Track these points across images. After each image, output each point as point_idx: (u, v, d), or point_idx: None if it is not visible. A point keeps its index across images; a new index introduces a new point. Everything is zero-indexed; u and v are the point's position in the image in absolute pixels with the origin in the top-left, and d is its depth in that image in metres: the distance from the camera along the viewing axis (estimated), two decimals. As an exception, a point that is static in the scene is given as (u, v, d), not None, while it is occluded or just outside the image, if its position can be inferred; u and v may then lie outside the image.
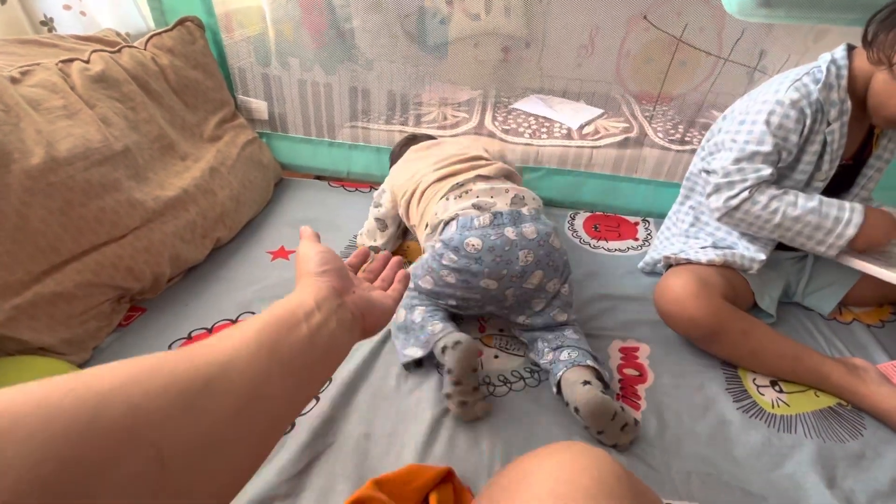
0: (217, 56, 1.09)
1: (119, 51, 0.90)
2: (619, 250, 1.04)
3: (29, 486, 0.17)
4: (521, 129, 1.18)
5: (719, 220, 0.79)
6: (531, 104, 1.26)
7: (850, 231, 0.71)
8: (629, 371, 0.75)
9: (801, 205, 0.73)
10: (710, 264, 0.81)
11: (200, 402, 0.24)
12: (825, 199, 0.73)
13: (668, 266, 0.88)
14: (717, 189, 0.77)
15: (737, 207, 0.76)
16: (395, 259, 0.54)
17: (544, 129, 1.17)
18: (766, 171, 0.73)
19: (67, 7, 1.03)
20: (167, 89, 0.96)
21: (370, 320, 0.41)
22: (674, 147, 1.10)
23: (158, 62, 0.96)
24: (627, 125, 1.16)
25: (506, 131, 1.18)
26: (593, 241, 1.07)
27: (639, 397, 0.71)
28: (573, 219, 1.14)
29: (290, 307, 0.34)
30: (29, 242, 0.64)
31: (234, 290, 0.87)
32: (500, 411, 0.67)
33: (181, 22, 1.01)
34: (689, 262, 0.83)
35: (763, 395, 0.72)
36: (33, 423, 0.18)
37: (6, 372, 0.59)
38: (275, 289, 0.87)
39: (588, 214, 1.16)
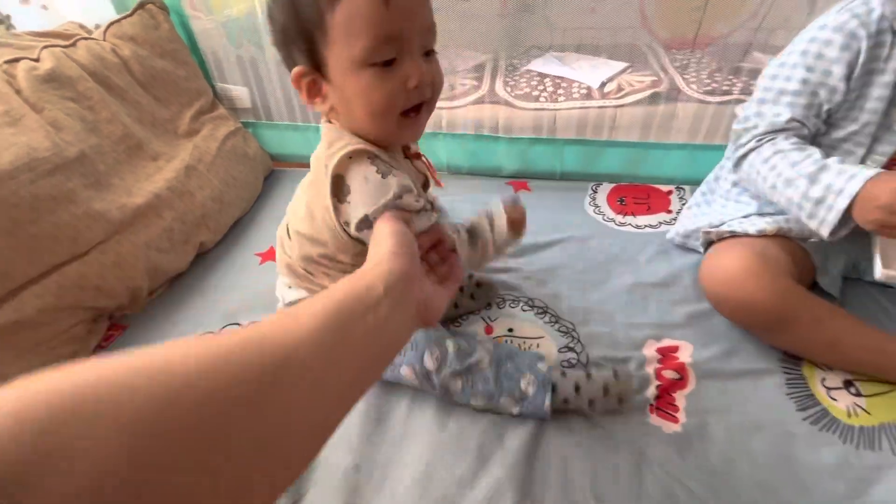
0: (187, 41, 0.99)
1: (73, 44, 0.82)
2: (650, 226, 0.91)
3: (98, 480, 0.18)
4: (536, 93, 1.04)
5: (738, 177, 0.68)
6: (546, 64, 1.11)
7: (841, 202, 0.55)
8: (668, 374, 0.63)
9: (801, 165, 0.58)
10: (762, 235, 0.67)
11: (268, 395, 0.24)
12: (837, 163, 0.57)
13: (709, 243, 0.74)
14: (735, 137, 0.66)
15: (743, 157, 0.65)
16: (453, 253, 0.50)
17: (561, 91, 1.02)
18: (784, 115, 0.61)
19: (25, 2, 0.95)
20: (131, 83, 0.87)
21: (432, 308, 0.40)
22: (712, 99, 0.93)
23: (119, 53, 0.87)
24: (655, 78, 0.99)
25: (518, 97, 1.04)
26: (619, 218, 0.93)
27: (677, 408, 0.60)
28: (595, 192, 1.01)
29: (359, 291, 0.33)
30: (-26, 270, 0.58)
31: (220, 300, 0.80)
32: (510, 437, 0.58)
33: (141, 5, 0.91)
34: (733, 234, 0.70)
35: (835, 400, 0.59)
36: (106, 408, 0.19)
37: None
38: (263, 296, 0.79)
39: (612, 186, 1.02)
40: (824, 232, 0.57)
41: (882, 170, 0.55)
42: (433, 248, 0.49)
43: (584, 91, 1.01)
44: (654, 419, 0.59)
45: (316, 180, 0.51)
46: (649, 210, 0.94)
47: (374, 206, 0.46)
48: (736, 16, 0.85)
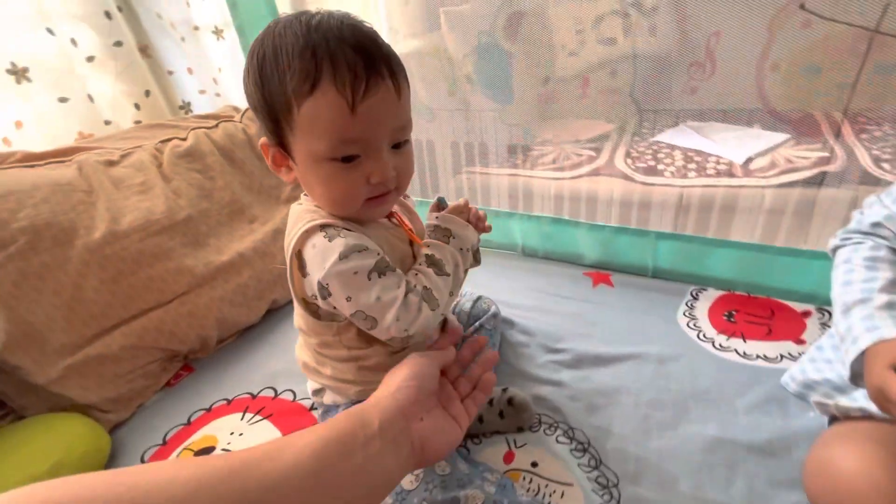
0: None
1: (216, 126, 1.01)
2: (765, 357, 0.68)
3: None
4: (662, 167, 0.92)
5: None
6: (680, 135, 0.99)
7: (851, 352, 0.44)
8: None
9: (850, 287, 0.49)
10: None
11: None
12: (885, 296, 0.45)
13: (832, 418, 0.51)
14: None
15: (833, 251, 0.55)
16: (488, 356, 0.51)
17: (693, 166, 0.89)
18: (877, 217, 0.50)
19: (203, 92, 1.22)
20: (250, 156, 1.03)
21: (431, 450, 0.40)
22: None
23: (248, 132, 1.04)
24: (826, 154, 0.78)
25: (641, 170, 0.94)
26: (721, 338, 0.73)
27: None
28: (695, 298, 0.81)
29: (354, 426, 0.34)
30: (82, 309, 0.71)
31: (271, 357, 0.85)
32: None
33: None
34: (867, 416, 0.47)
35: None
36: None
37: (36, 430, 0.64)
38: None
39: (720, 294, 0.81)
40: (845, 375, 0.46)
41: None
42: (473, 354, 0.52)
43: (723, 166, 0.87)
44: None
45: (288, 268, 0.52)
46: (769, 335, 0.72)
47: (322, 272, 0.46)
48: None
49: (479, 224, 0.59)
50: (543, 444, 0.61)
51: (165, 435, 0.70)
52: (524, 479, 0.57)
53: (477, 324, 0.73)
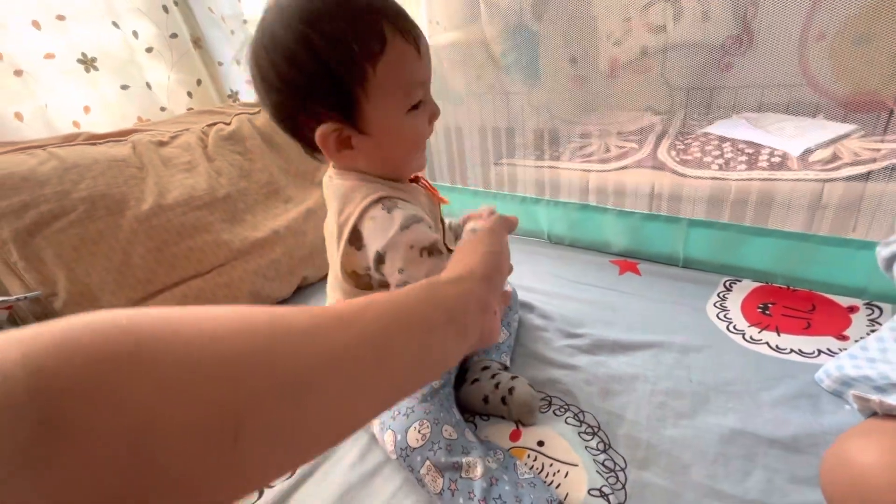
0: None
1: (258, 112, 1.07)
2: (800, 352, 0.64)
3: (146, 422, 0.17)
4: (709, 160, 0.88)
5: None
6: (732, 127, 0.94)
7: None
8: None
9: None
10: None
11: (313, 383, 0.23)
12: None
13: (871, 413, 0.47)
14: None
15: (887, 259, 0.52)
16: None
17: (742, 159, 0.85)
18: None
19: (249, 81, 1.29)
20: (289, 140, 1.07)
21: (486, 339, 0.39)
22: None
23: (286, 118, 1.09)
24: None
25: (684, 162, 0.90)
26: (753, 330, 0.69)
27: None
28: (728, 290, 0.77)
29: (429, 309, 0.32)
30: (130, 274, 0.78)
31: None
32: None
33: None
34: None
35: None
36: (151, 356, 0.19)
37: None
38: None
39: (756, 286, 0.76)
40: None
41: None
42: None
43: (776, 159, 0.81)
44: None
45: (330, 245, 0.54)
46: (808, 329, 0.67)
47: (383, 241, 0.47)
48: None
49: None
50: (551, 425, 0.60)
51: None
52: (529, 456, 0.56)
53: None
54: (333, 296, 0.60)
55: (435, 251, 0.49)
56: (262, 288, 0.91)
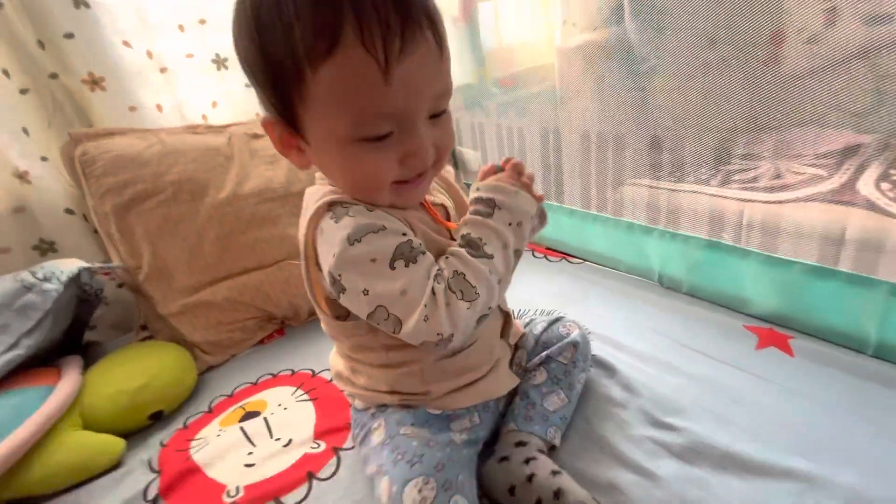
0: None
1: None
2: None
3: None
4: None
5: None
6: None
7: None
8: None
9: None
10: None
11: None
12: None
13: None
14: None
15: None
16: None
17: None
18: None
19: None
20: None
21: None
22: None
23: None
24: None
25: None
26: None
27: None
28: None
29: None
30: (201, 258, 0.80)
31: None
32: None
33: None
34: None
35: None
36: None
37: (144, 353, 0.75)
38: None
39: None
40: None
41: None
42: None
43: None
44: None
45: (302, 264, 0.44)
46: None
47: (333, 259, 0.37)
48: None
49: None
50: None
51: (234, 389, 0.74)
52: None
53: (545, 354, 0.55)
54: (325, 326, 0.50)
55: (414, 256, 0.38)
56: (321, 289, 0.88)
